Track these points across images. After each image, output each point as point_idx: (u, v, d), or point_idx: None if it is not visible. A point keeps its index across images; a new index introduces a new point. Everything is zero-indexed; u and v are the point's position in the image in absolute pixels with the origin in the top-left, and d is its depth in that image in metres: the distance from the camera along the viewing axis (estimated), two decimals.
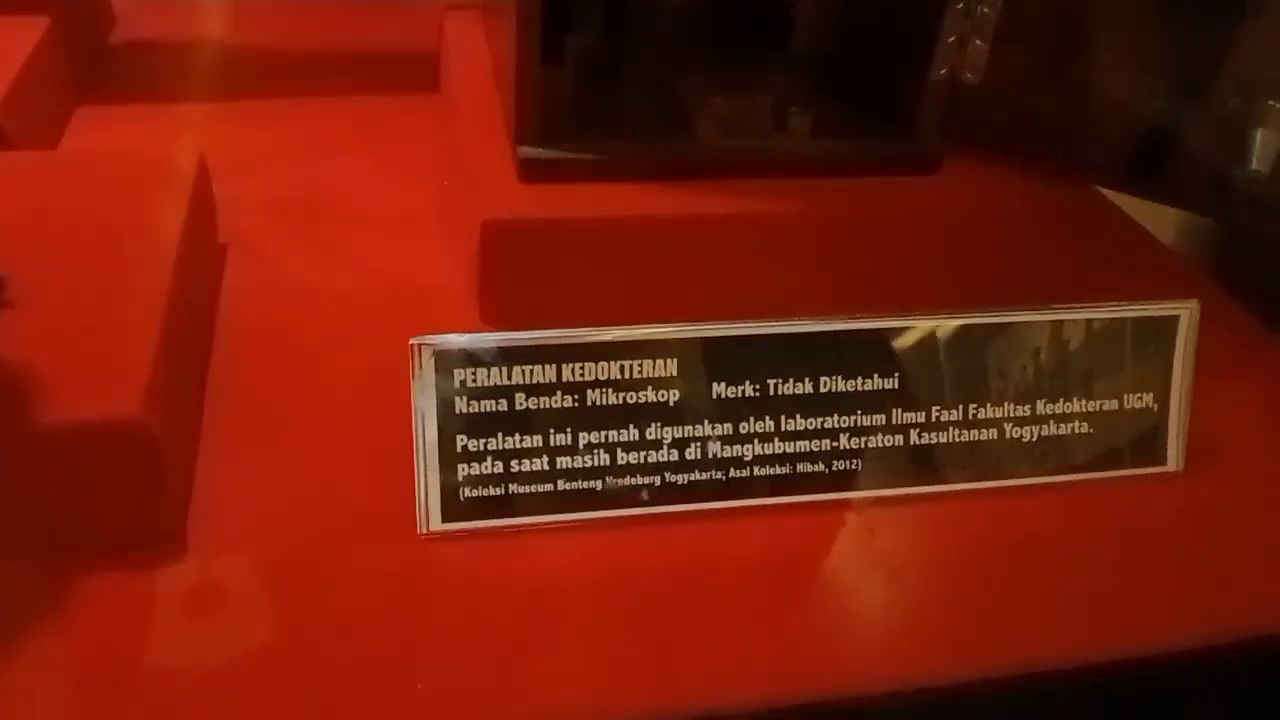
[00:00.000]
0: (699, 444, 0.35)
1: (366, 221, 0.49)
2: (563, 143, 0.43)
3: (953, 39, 0.44)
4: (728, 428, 0.35)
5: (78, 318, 0.34)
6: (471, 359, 0.33)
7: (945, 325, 0.36)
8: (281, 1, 0.70)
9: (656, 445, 0.35)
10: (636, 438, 0.34)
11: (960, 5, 0.43)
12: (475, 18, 0.58)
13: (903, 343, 0.36)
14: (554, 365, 0.33)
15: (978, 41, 0.44)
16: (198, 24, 0.68)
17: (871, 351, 0.36)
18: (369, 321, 0.42)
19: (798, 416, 0.35)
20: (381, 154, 0.55)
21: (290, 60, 0.64)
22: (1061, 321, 0.37)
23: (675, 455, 0.35)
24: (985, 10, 0.43)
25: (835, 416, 0.36)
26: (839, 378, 0.35)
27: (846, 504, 0.36)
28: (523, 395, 0.33)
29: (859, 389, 0.36)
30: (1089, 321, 0.37)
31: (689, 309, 0.43)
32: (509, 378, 0.33)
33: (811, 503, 0.36)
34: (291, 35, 0.66)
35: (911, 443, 0.36)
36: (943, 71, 0.45)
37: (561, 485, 0.34)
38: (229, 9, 0.70)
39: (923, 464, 0.37)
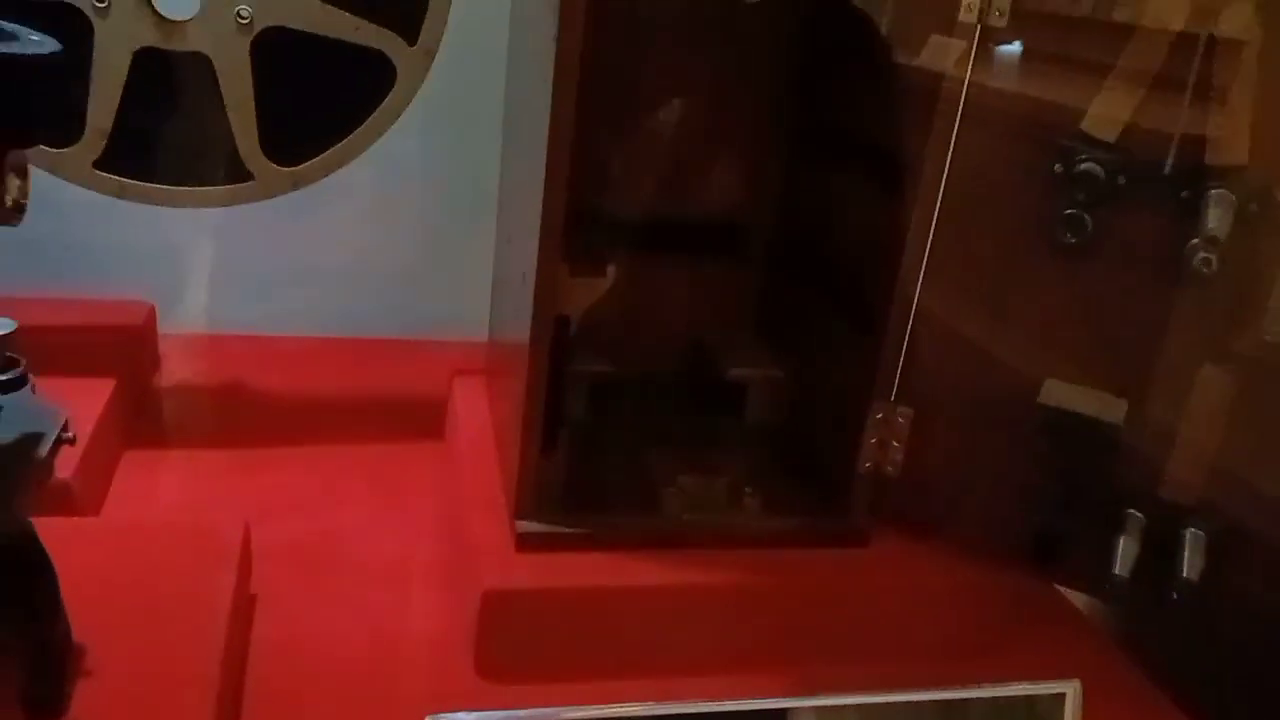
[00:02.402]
0: None
1: (374, 573, 0.57)
2: (554, 517, 0.52)
3: (875, 440, 0.54)
4: None
5: (144, 686, 0.40)
6: None
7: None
8: (304, 340, 0.79)
9: None
10: None
11: (880, 415, 0.53)
12: (480, 383, 0.68)
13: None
14: None
15: (895, 443, 0.54)
16: (229, 365, 0.76)
17: None
18: (380, 681, 0.49)
19: None
20: (389, 502, 0.63)
21: (307, 403, 0.73)
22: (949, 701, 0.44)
23: None
24: (900, 420, 0.53)
25: None
26: None
27: None
28: None
29: None
30: (975, 700, 0.45)
31: (661, 666, 0.50)
32: None
33: None
34: (310, 377, 0.75)
35: None
36: (867, 465, 0.54)
37: None
38: (256, 348, 0.79)
39: None
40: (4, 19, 0.32)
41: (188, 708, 0.40)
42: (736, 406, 0.63)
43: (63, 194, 0.55)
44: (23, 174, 0.34)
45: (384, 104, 0.59)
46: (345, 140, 0.59)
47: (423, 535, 0.60)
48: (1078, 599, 0.61)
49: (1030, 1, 0.47)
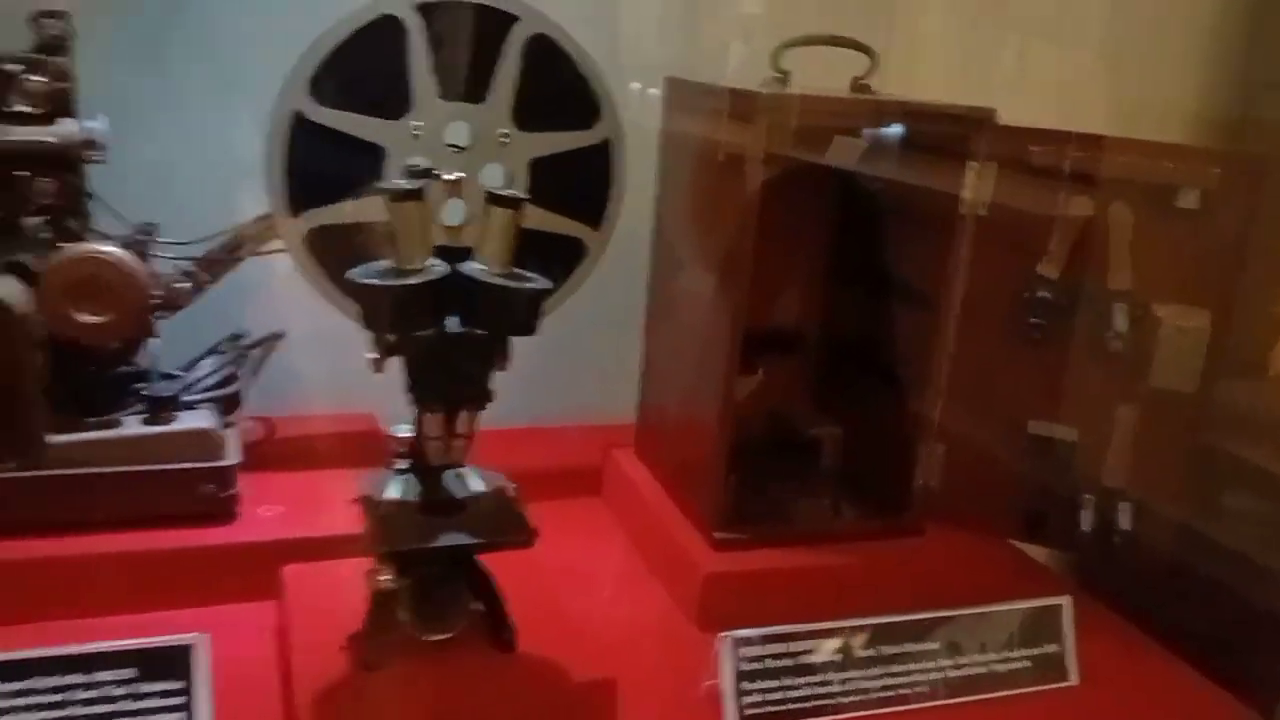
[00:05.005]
0: None
1: (603, 576, 0.85)
2: (732, 527, 0.81)
3: (922, 466, 0.85)
4: None
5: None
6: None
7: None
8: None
9: None
10: None
11: (925, 450, 0.85)
12: (629, 452, 0.96)
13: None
14: None
15: (934, 467, 0.85)
16: None
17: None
18: (639, 639, 0.77)
19: None
20: (586, 532, 0.91)
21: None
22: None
23: None
24: (938, 452, 0.85)
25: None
26: None
27: None
28: None
29: None
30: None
31: (807, 616, 0.79)
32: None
33: None
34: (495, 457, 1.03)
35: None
36: (919, 482, 0.85)
37: None
38: None
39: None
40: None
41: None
42: (813, 455, 0.94)
43: None
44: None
45: (576, 273, 0.88)
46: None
47: (623, 553, 0.89)
48: (1044, 558, 0.92)
49: (1003, 198, 0.79)
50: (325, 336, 0.85)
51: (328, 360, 0.89)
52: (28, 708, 0.59)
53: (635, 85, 0.93)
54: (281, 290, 0.84)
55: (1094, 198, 0.79)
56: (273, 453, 0.88)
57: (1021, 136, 0.79)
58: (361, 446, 0.91)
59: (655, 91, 0.91)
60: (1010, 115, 0.80)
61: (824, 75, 0.84)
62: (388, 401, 0.90)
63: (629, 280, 0.93)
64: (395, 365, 0.61)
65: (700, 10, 1.05)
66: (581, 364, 1.03)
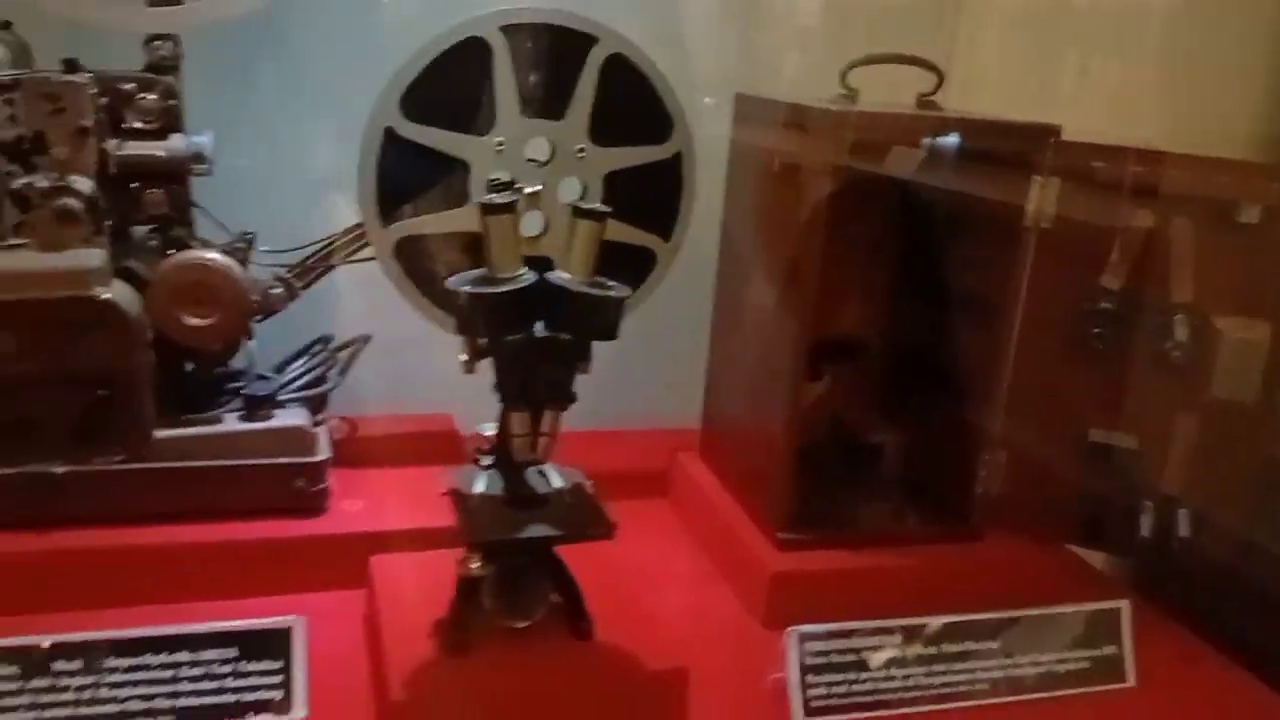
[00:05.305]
0: None
1: (661, 577, 0.88)
2: (797, 529, 0.84)
3: (984, 473, 0.87)
4: None
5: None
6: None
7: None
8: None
9: None
10: None
11: (987, 457, 0.87)
12: (694, 455, 0.99)
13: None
14: None
15: (995, 474, 0.87)
16: None
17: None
18: (706, 635, 0.80)
19: None
20: (655, 531, 0.94)
21: None
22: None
23: None
24: (999, 459, 0.87)
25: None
26: None
27: None
28: None
29: None
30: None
31: (871, 613, 0.81)
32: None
33: None
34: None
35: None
36: (980, 490, 0.88)
37: None
38: None
39: None
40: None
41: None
42: (876, 461, 0.97)
43: None
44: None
45: (646, 282, 0.91)
46: None
47: (690, 553, 0.92)
48: (1102, 565, 0.93)
49: (1066, 211, 0.82)
50: (405, 341, 0.90)
51: (407, 363, 0.94)
52: (141, 682, 0.64)
53: (707, 100, 0.96)
54: (366, 296, 0.88)
55: (1155, 212, 0.80)
56: (355, 450, 0.92)
57: (1084, 152, 0.81)
58: (438, 445, 0.96)
59: (708, 100, 0.94)
60: (1069, 128, 0.82)
61: (887, 90, 0.87)
62: (463, 403, 0.96)
63: (695, 289, 0.96)
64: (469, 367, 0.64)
65: (765, 27, 1.08)
66: (647, 370, 1.06)
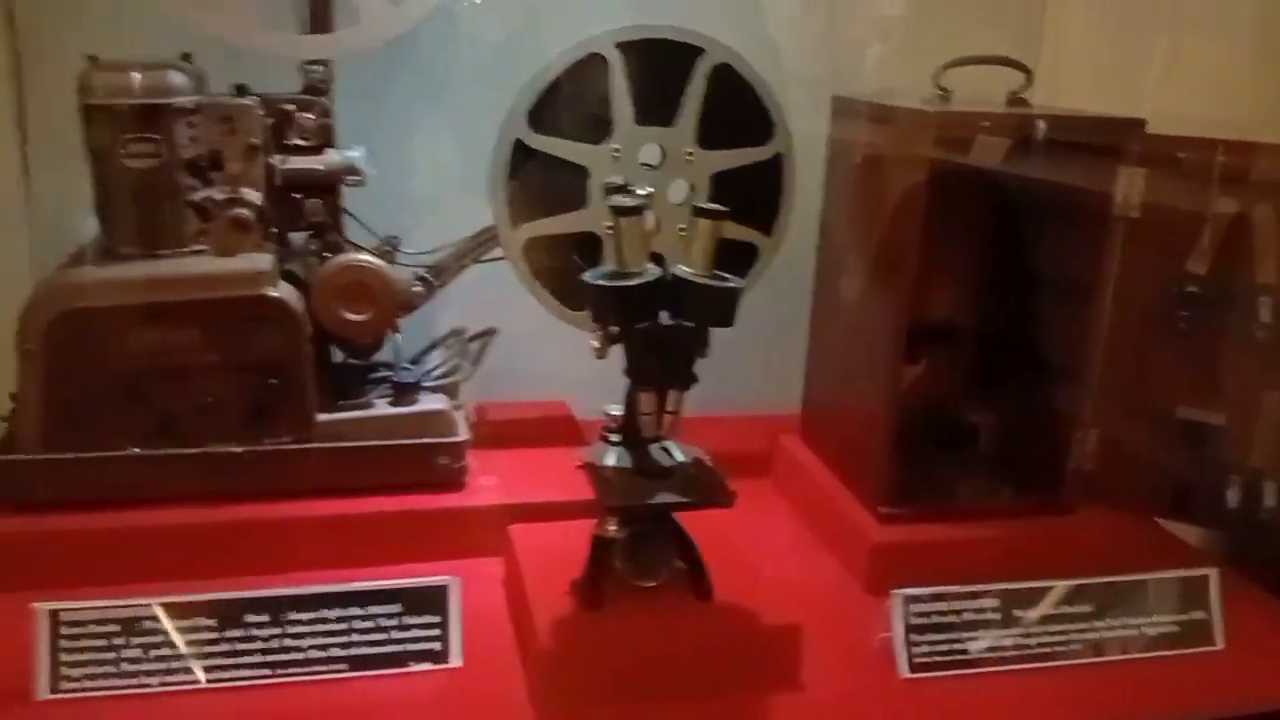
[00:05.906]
0: None
1: (773, 547, 0.94)
2: (898, 503, 0.90)
3: (1077, 450, 0.92)
4: None
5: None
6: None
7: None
8: None
9: None
10: None
11: (1080, 435, 0.92)
12: (795, 438, 1.06)
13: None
14: None
15: (1088, 451, 0.92)
16: None
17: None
18: (810, 602, 0.86)
19: None
20: (761, 509, 1.01)
21: None
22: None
23: None
24: (1092, 437, 0.92)
25: None
26: None
27: None
28: None
29: None
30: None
31: (967, 579, 0.87)
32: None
33: None
34: None
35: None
36: (1072, 465, 0.92)
37: None
38: None
39: None
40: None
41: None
42: (971, 440, 1.02)
43: None
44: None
45: (749, 276, 0.97)
46: None
47: (795, 526, 0.98)
48: (1190, 538, 0.97)
49: (1153, 199, 0.86)
50: (529, 333, 0.98)
51: (530, 354, 1.02)
52: (319, 633, 0.73)
53: (801, 100, 1.02)
54: (491, 292, 0.97)
55: (1240, 199, 0.84)
56: (484, 433, 1.00)
57: (1170, 143, 0.86)
58: (557, 429, 1.04)
59: (806, 102, 1.00)
60: (1163, 113, 0.86)
61: (976, 85, 0.92)
62: (574, 391, 1.04)
63: (794, 281, 1.02)
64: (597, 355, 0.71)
65: (856, 30, 1.14)
66: (749, 359, 1.12)
